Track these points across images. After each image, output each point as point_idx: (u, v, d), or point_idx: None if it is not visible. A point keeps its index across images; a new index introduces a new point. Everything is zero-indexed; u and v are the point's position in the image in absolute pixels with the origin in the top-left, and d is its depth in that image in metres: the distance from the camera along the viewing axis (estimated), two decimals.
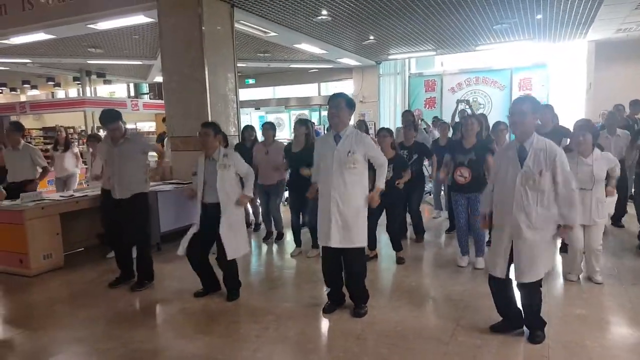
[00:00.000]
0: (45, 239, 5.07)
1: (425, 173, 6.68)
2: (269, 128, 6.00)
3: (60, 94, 19.43)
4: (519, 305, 3.30)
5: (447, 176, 4.90)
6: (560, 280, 4.39)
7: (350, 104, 3.67)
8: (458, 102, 8.70)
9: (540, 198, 3.03)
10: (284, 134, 13.37)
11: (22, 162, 5.98)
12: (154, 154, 4.97)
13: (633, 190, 6.29)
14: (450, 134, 6.81)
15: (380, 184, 3.66)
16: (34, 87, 17.30)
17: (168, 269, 5.06)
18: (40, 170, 6.19)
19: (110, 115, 4.39)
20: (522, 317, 3.28)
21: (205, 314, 3.85)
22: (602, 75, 10.64)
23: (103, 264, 5.33)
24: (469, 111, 8.08)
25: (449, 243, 5.92)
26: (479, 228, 4.77)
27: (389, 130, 5.16)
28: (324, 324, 3.64)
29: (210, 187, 3.97)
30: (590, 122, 4.42)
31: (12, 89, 18.39)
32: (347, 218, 3.57)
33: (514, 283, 3.26)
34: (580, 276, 4.39)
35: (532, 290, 3.16)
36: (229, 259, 4.00)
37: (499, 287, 3.27)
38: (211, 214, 3.97)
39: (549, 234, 3.10)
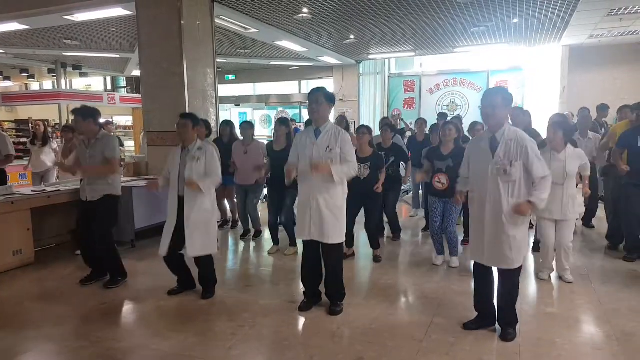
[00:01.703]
0: (15, 234, 4.93)
1: (402, 173, 6.73)
2: (248, 127, 5.96)
3: (34, 86, 18.90)
4: (495, 302, 3.36)
5: (424, 178, 4.93)
6: (532, 279, 4.49)
7: (329, 98, 3.67)
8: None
9: (511, 188, 3.08)
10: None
11: None
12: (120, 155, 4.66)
13: (603, 191, 6.48)
14: (427, 130, 6.94)
15: (336, 170, 3.49)
16: (6, 78, 16.80)
17: (142, 266, 4.99)
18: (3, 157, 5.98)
19: (75, 110, 4.35)
20: (495, 314, 3.34)
21: (180, 312, 3.81)
22: (575, 79, 10.92)
23: (75, 260, 5.21)
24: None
25: (425, 242, 5.99)
26: (452, 231, 4.86)
27: (368, 128, 5.19)
28: (300, 321, 3.64)
29: (184, 179, 3.92)
30: (565, 117, 4.49)
31: None
32: (325, 213, 3.57)
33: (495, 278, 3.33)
34: (551, 275, 4.50)
35: (511, 281, 3.22)
36: (189, 255, 3.95)
37: (482, 276, 3.34)
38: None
39: (523, 225, 3.17)
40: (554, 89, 11.66)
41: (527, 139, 3.11)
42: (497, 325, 3.34)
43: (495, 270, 3.31)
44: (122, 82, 18.76)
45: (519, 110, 5.54)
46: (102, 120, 12.07)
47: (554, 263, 4.52)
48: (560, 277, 4.44)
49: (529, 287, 4.29)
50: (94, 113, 4.34)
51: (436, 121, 7.64)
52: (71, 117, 12.95)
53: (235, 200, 6.44)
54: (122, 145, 9.09)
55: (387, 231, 6.18)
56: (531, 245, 5.29)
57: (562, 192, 4.22)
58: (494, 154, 3.10)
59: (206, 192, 3.94)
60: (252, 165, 5.70)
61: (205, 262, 4.09)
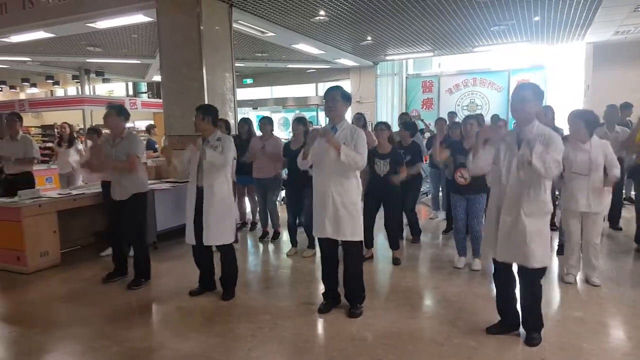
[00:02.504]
0: (42, 236, 5.07)
1: (422, 174, 6.68)
2: (267, 123, 6.04)
3: (59, 92, 19.40)
4: (518, 306, 3.30)
5: (445, 156, 4.82)
6: (557, 282, 4.38)
7: (345, 96, 3.67)
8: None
9: (534, 183, 3.01)
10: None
11: (17, 153, 5.91)
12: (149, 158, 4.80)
13: (633, 192, 6.29)
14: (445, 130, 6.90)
15: (345, 150, 3.45)
16: (33, 85, 17.27)
17: (164, 268, 5.06)
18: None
19: (111, 105, 4.52)
20: (518, 316, 3.28)
21: (201, 313, 3.85)
22: (600, 77, 10.65)
23: (99, 262, 5.33)
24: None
25: (445, 244, 5.92)
26: (477, 230, 4.78)
27: (386, 124, 5.16)
28: (320, 324, 3.64)
29: (203, 170, 3.97)
30: (586, 110, 4.35)
31: (12, 87, 18.38)
32: (341, 210, 3.57)
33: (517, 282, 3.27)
34: (578, 278, 4.39)
35: (531, 282, 3.15)
36: (205, 244, 4.00)
37: (501, 277, 3.27)
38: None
39: (543, 223, 3.09)
40: (577, 87, 11.41)
41: (556, 136, 3.03)
42: (521, 330, 3.27)
43: (515, 271, 3.24)
44: (144, 87, 19.11)
45: (549, 110, 5.45)
46: (145, 124, 12.39)
47: (581, 263, 4.40)
48: (586, 280, 4.32)
49: (554, 290, 4.19)
50: (127, 113, 4.53)
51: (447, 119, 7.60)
52: (95, 122, 13.33)
53: (256, 199, 6.49)
54: (152, 148, 9.24)
55: (406, 233, 6.14)
56: (555, 248, 5.19)
57: (588, 183, 4.10)
58: (520, 147, 3.04)
59: (223, 182, 3.99)
60: (269, 159, 5.74)
61: (229, 260, 4.14)
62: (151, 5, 6.57)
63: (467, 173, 4.59)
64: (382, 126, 5.07)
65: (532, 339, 3.16)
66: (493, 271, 3.35)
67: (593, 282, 4.25)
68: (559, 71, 11.90)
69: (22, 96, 19.03)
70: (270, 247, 6.01)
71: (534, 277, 3.15)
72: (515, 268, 3.23)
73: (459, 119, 7.89)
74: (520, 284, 3.23)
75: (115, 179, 4.45)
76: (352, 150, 3.51)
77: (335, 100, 3.61)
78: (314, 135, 3.66)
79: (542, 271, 3.17)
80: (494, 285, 3.44)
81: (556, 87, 11.80)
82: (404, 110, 13.01)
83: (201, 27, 6.28)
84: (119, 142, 4.44)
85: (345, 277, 3.77)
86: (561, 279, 4.41)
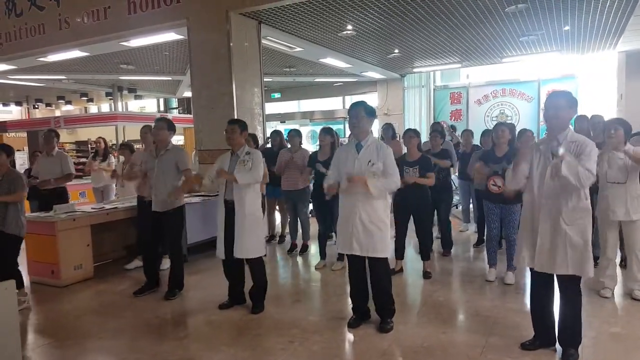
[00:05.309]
0: (76, 250, 5.18)
1: (453, 186, 6.58)
2: (295, 135, 6.09)
3: (93, 109, 20.05)
4: (556, 319, 3.18)
5: (482, 171, 4.73)
6: (593, 296, 4.21)
7: (370, 112, 3.65)
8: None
9: (572, 191, 2.93)
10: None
11: (53, 169, 6.10)
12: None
13: None
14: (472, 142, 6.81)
15: (373, 183, 3.44)
16: (68, 102, 17.89)
17: (194, 280, 5.10)
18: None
19: (162, 118, 4.68)
20: (555, 331, 3.17)
21: (231, 326, 3.86)
22: (633, 86, 10.32)
23: (131, 275, 5.42)
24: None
25: (477, 257, 5.81)
26: (513, 239, 4.66)
27: (415, 131, 5.12)
28: (350, 338, 3.60)
29: (231, 184, 4.01)
30: (623, 119, 4.28)
31: (48, 105, 19.09)
32: (368, 227, 3.54)
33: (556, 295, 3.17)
34: (615, 292, 4.23)
35: (574, 293, 3.05)
36: (235, 256, 4.01)
37: (539, 289, 3.19)
38: (233, 211, 4.02)
39: (586, 230, 2.99)
40: (610, 97, 11.10)
41: (590, 143, 2.97)
42: (557, 346, 3.16)
43: (555, 283, 3.14)
44: (174, 103, 19.56)
45: (583, 119, 5.34)
46: (176, 139, 12.46)
47: (619, 275, 4.26)
48: (629, 294, 4.15)
49: (591, 305, 4.01)
50: (175, 129, 4.69)
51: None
52: (127, 138, 13.70)
53: (286, 212, 6.53)
54: None
55: (437, 246, 6.03)
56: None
57: (625, 191, 4.01)
58: (554, 155, 2.97)
59: (254, 196, 4.03)
60: (297, 171, 5.79)
61: (259, 273, 4.15)
62: (182, 24, 6.76)
63: (500, 181, 4.51)
64: (411, 133, 5.03)
65: (569, 356, 3.04)
66: (531, 283, 3.26)
67: (636, 296, 4.09)
68: (591, 81, 11.61)
69: (58, 113, 19.73)
70: (299, 260, 6.01)
71: (575, 287, 3.05)
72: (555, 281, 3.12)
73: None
74: (560, 295, 3.12)
75: (154, 190, 4.53)
76: (381, 179, 3.49)
77: (359, 116, 3.60)
78: (332, 187, 3.63)
79: (580, 279, 3.07)
80: (528, 298, 3.34)
81: (588, 97, 11.50)
82: (432, 122, 12.91)
83: (231, 44, 6.42)
84: (163, 154, 4.56)
85: (374, 291, 3.73)
86: (597, 293, 4.24)
